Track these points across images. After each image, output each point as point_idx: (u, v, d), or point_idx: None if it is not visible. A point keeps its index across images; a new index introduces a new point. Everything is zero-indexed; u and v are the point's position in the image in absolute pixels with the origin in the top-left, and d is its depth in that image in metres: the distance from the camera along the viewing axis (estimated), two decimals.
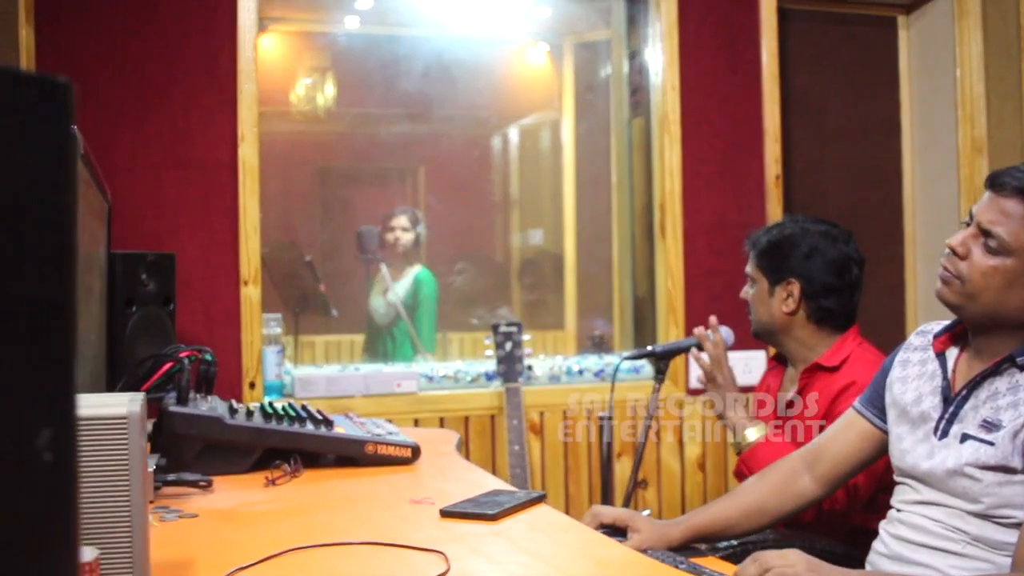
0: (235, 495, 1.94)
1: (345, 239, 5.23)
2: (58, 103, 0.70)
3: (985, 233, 1.89)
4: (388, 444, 2.22)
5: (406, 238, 4.68)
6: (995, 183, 1.93)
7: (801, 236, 2.73)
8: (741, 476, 2.68)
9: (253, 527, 1.71)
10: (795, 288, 2.70)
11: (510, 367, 3.26)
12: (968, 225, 1.96)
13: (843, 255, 2.71)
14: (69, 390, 0.69)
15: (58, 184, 0.69)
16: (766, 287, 2.74)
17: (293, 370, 3.32)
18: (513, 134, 5.70)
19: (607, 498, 2.89)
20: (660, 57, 3.57)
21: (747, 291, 2.82)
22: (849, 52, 3.79)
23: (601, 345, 3.97)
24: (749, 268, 2.81)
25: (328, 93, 5.33)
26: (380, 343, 4.57)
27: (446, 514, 1.73)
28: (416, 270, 4.66)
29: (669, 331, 3.50)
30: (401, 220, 4.70)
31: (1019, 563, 1.77)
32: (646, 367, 3.60)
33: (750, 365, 3.49)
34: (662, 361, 2.77)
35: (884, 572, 1.99)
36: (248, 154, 3.11)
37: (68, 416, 0.68)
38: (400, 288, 4.58)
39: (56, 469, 0.67)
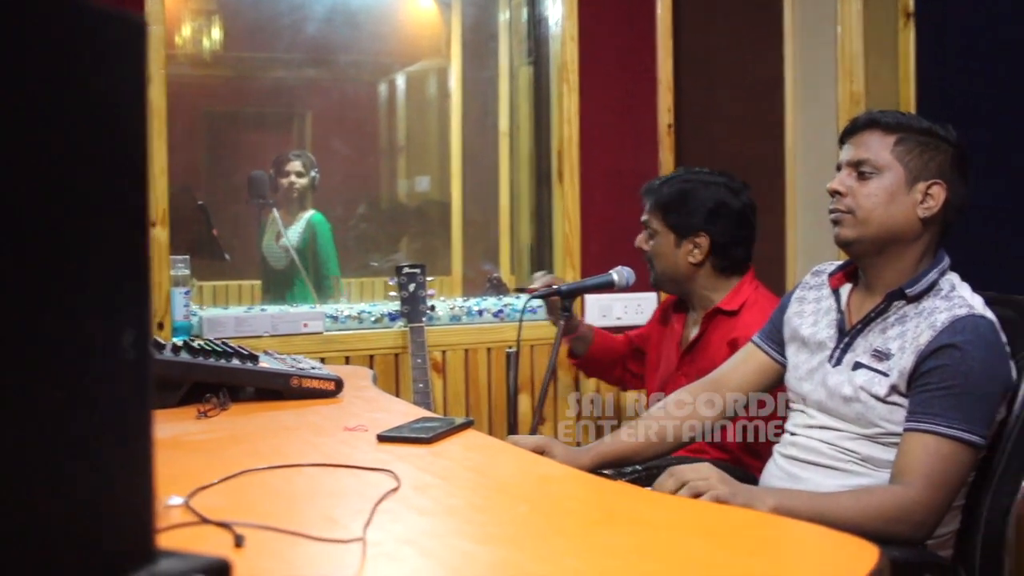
0: (171, 427, 1.98)
1: (233, 184, 5.22)
2: (133, 37, 0.77)
3: (856, 165, 2.10)
4: (312, 378, 2.29)
5: (301, 183, 4.69)
6: (846, 131, 2.17)
7: (705, 190, 2.86)
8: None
9: (200, 453, 1.77)
10: (704, 241, 2.84)
11: (414, 308, 3.34)
12: (839, 171, 2.16)
13: (745, 206, 2.87)
14: (147, 298, 0.77)
15: (132, 110, 0.77)
16: (672, 240, 2.87)
17: (200, 311, 3.36)
18: (400, 81, 5.73)
19: (512, 431, 3.02)
20: (559, 8, 3.67)
21: (646, 241, 2.94)
22: (738, 8, 3.93)
23: (499, 287, 4.08)
24: (649, 219, 2.92)
25: (215, 37, 5.28)
26: (278, 287, 4.59)
27: (383, 439, 1.82)
28: (309, 215, 4.69)
29: (566, 274, 3.62)
30: (295, 164, 4.71)
31: (897, 475, 1.96)
32: (543, 309, 3.71)
33: (642, 306, 3.63)
34: (567, 300, 2.89)
35: (779, 488, 2.16)
36: (155, 96, 3.12)
37: (146, 320, 0.77)
38: (293, 233, 4.60)
39: (137, 365, 0.76)
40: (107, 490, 0.73)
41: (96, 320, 0.72)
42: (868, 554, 1.09)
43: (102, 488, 0.73)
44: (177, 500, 1.35)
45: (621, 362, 3.20)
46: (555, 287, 2.96)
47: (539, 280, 3.09)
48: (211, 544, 1.18)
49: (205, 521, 1.25)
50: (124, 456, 0.75)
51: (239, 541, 1.17)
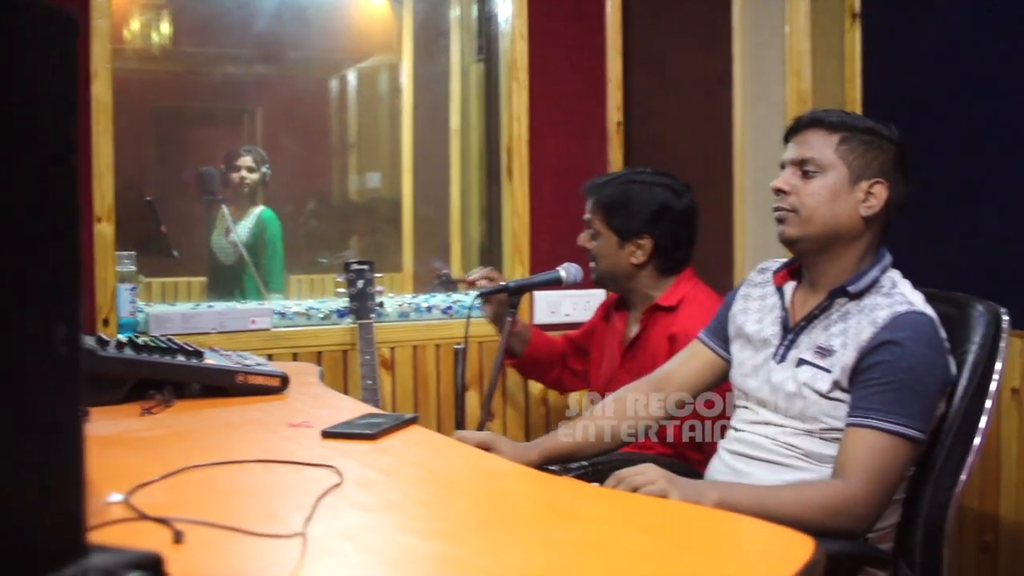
0: (114, 424, 1.97)
1: (183, 180, 5.18)
2: (65, 33, 0.77)
3: (800, 163, 2.12)
4: (258, 374, 2.28)
5: (252, 178, 4.67)
6: (791, 130, 2.19)
7: (647, 192, 2.88)
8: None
9: (143, 450, 1.76)
10: (647, 243, 2.85)
11: (362, 304, 3.33)
12: (783, 169, 2.18)
13: (688, 208, 2.90)
14: (79, 294, 0.77)
15: (64, 107, 0.76)
16: (614, 242, 2.88)
17: (147, 307, 3.33)
18: (352, 77, 5.71)
19: (460, 428, 3.02)
20: (509, 6, 3.67)
21: (588, 240, 2.95)
22: (687, 6, 3.96)
23: (448, 284, 4.08)
24: (592, 219, 2.93)
25: (163, 32, 5.24)
26: (227, 283, 4.56)
27: (327, 435, 1.82)
28: (259, 210, 4.66)
29: (515, 270, 3.63)
30: (246, 160, 4.68)
31: (838, 470, 1.99)
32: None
33: (591, 303, 3.63)
34: (515, 297, 2.90)
35: (723, 483, 2.18)
36: (101, 91, 3.09)
37: (78, 316, 0.76)
38: (243, 228, 4.58)
39: (68, 361, 0.76)
40: (36, 486, 0.73)
41: (25, 316, 0.72)
42: (804, 546, 1.11)
43: (31, 484, 0.73)
44: (117, 497, 1.34)
45: (560, 361, 3.21)
46: (503, 284, 2.97)
47: (476, 273, 3.11)
48: (150, 540, 1.17)
49: (143, 517, 1.24)
50: (54, 452, 0.75)
51: (178, 537, 1.17)
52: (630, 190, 2.88)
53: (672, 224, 2.86)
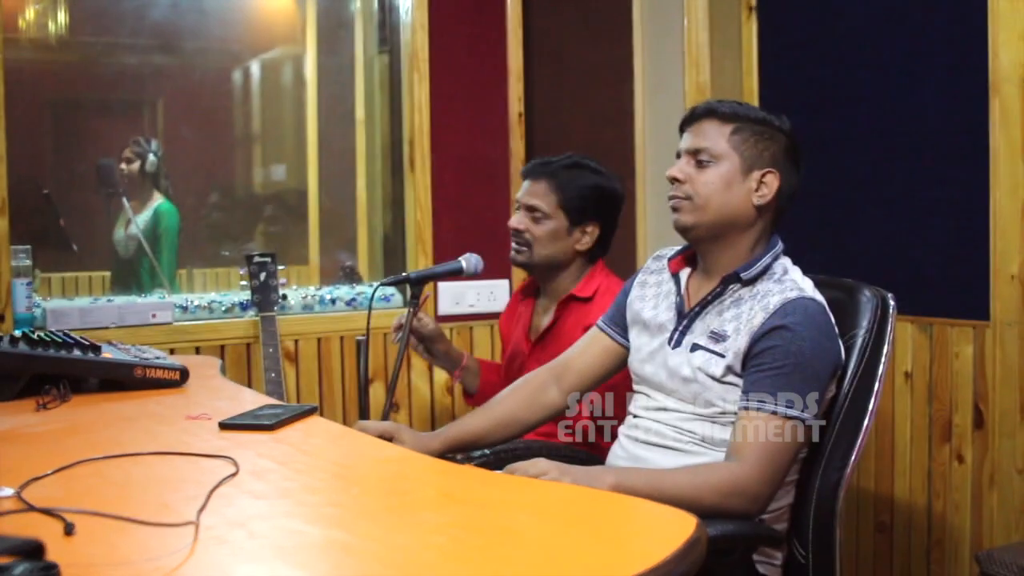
0: (7, 419, 1.95)
1: (81, 172, 5.09)
2: None
3: (694, 153, 2.17)
4: (157, 367, 2.27)
5: (130, 168, 4.63)
6: (686, 120, 2.25)
7: (603, 180, 2.90)
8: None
9: (37, 445, 1.74)
10: (594, 230, 2.87)
11: (265, 297, 3.32)
12: (679, 159, 2.22)
13: (622, 198, 2.95)
14: None
15: None
16: (564, 226, 2.86)
17: (44, 302, 3.28)
18: (255, 68, 5.65)
19: (364, 419, 3.02)
20: None
21: (531, 223, 2.88)
22: None
23: (352, 276, 4.08)
24: (540, 202, 2.87)
25: (60, 21, 5.15)
26: (126, 277, 4.50)
27: (225, 426, 1.82)
28: (156, 203, 4.61)
29: (419, 261, 3.64)
30: (127, 151, 4.65)
31: (731, 452, 2.04)
32: (395, 297, 3.73)
33: (495, 293, 3.67)
34: (416, 287, 2.90)
35: (620, 467, 2.22)
36: None
37: None
38: (140, 221, 4.53)
39: None
40: None
41: None
42: (686, 524, 1.14)
43: None
44: (8, 491, 1.33)
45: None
46: (404, 274, 2.97)
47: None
48: (41, 533, 1.16)
49: (32, 509, 1.24)
50: None
51: (69, 529, 1.17)
52: (583, 175, 2.89)
53: (614, 213, 2.91)
